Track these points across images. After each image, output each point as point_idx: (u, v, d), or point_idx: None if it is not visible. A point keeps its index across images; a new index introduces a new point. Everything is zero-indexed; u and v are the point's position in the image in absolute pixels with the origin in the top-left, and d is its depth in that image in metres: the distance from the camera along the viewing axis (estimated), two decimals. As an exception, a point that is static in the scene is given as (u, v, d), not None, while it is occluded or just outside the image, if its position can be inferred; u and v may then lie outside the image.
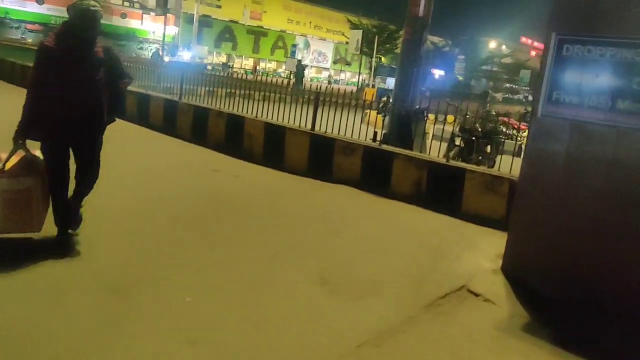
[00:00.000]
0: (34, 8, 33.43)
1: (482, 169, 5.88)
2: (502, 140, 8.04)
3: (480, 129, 7.99)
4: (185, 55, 41.51)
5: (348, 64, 44.03)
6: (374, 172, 6.21)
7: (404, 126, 7.50)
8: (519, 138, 10.88)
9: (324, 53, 55.30)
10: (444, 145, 7.14)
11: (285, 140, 7.32)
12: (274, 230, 4.58)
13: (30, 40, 32.24)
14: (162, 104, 9.63)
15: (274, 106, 7.79)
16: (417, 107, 8.05)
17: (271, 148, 7.54)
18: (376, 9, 43.28)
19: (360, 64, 29.85)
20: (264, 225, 4.70)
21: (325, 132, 7.02)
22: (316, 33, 54.85)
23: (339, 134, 6.89)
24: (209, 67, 42.65)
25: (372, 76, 32.77)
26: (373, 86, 30.96)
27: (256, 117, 7.93)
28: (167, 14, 39.07)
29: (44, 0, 33.80)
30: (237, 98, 8.39)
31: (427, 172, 5.67)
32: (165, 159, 7.28)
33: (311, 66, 52.92)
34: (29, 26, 33.66)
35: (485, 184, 5.14)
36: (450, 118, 8.11)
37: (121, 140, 8.22)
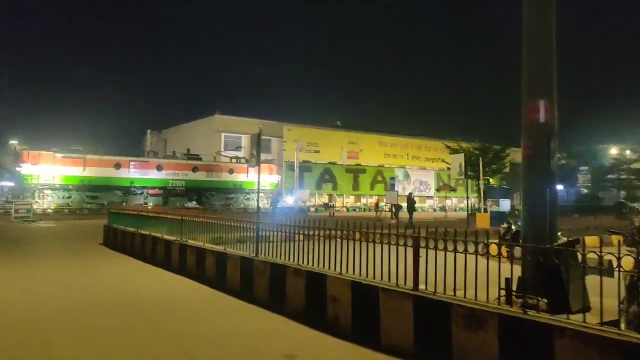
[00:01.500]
0: (155, 175, 36.65)
1: None
2: None
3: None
4: (289, 200, 42.49)
5: (453, 189, 41.90)
6: (521, 358, 3.87)
7: (551, 272, 5.16)
8: None
9: (426, 182, 54.02)
10: (608, 285, 4.59)
11: (379, 306, 5.31)
12: None
13: (150, 205, 34.85)
14: (238, 263, 8.24)
15: (371, 250, 5.92)
16: (564, 239, 5.76)
17: (362, 316, 5.56)
18: (475, 132, 42.02)
19: (468, 188, 27.64)
20: None
21: (435, 290, 4.93)
22: (415, 163, 54.33)
23: (455, 292, 4.74)
24: (312, 209, 43.41)
25: (482, 199, 30.17)
26: (485, 210, 28.25)
27: (340, 273, 6.10)
28: (271, 164, 41.56)
29: (162, 167, 37.10)
30: (321, 245, 6.68)
31: (622, 362, 3.25)
32: (229, 340, 5.58)
33: (414, 196, 51.46)
34: (150, 191, 36.63)
35: None
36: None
37: (181, 313, 6.89)
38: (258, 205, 11.24)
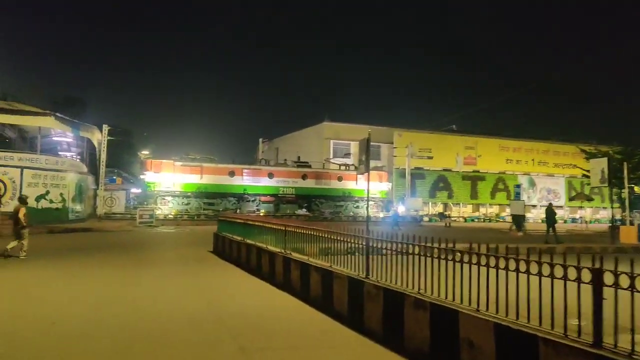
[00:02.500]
0: (266, 182, 37.19)
1: None
2: None
3: None
4: (399, 209, 40.79)
5: (589, 199, 37.07)
6: None
7: None
8: None
9: (555, 190, 48.78)
10: None
11: (542, 365, 3.78)
12: None
13: (262, 212, 35.40)
14: (345, 284, 7.08)
15: (509, 275, 4.41)
16: None
17: (514, 375, 4.04)
18: (614, 133, 36.87)
19: (612, 198, 23.87)
20: None
21: (633, 350, 3.31)
22: (541, 170, 49.37)
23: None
24: (425, 219, 41.13)
25: (626, 210, 26.00)
26: (631, 223, 24.27)
27: (477, 309, 4.63)
28: (381, 171, 40.20)
29: (273, 174, 37.55)
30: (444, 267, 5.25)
31: None
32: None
33: (540, 206, 46.74)
34: (263, 198, 37.22)
35: None
36: None
37: (279, 340, 5.56)
38: (368, 215, 10.02)
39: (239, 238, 13.05)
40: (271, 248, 10.45)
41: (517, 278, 4.43)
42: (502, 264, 4.62)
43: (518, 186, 33.25)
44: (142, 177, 34.80)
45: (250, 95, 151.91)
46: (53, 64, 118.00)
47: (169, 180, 33.57)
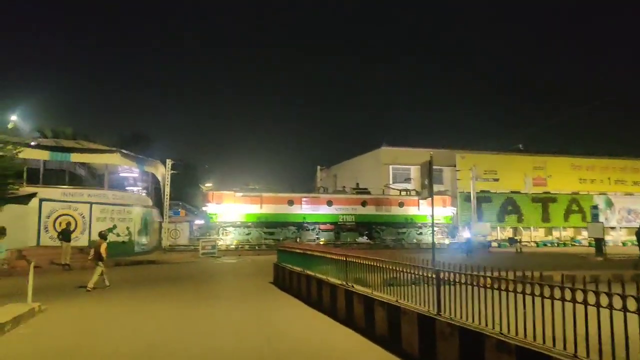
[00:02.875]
0: (325, 210, 36.85)
1: None
2: None
3: None
4: (466, 235, 39.02)
5: (678, 218, 33.78)
6: None
7: None
8: None
9: (635, 210, 45.07)
10: None
11: None
12: None
13: (322, 240, 35.01)
14: (415, 321, 6.42)
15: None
16: None
17: None
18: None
19: None
20: None
21: None
22: (619, 188, 45.89)
23: None
24: (494, 244, 39.01)
25: None
26: None
27: (576, 355, 3.90)
28: (444, 195, 38.80)
29: (332, 202, 37.20)
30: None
31: None
32: None
33: (620, 227, 43.28)
34: (322, 227, 36.85)
35: None
36: None
37: None
38: (433, 242, 9.36)
39: (298, 269, 12.66)
40: (332, 280, 9.95)
41: (625, 318, 3.72)
42: (604, 301, 3.89)
43: (595, 207, 30.82)
44: (204, 208, 35.53)
45: (306, 122, 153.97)
46: (109, 97, 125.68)
47: (230, 211, 34.00)
